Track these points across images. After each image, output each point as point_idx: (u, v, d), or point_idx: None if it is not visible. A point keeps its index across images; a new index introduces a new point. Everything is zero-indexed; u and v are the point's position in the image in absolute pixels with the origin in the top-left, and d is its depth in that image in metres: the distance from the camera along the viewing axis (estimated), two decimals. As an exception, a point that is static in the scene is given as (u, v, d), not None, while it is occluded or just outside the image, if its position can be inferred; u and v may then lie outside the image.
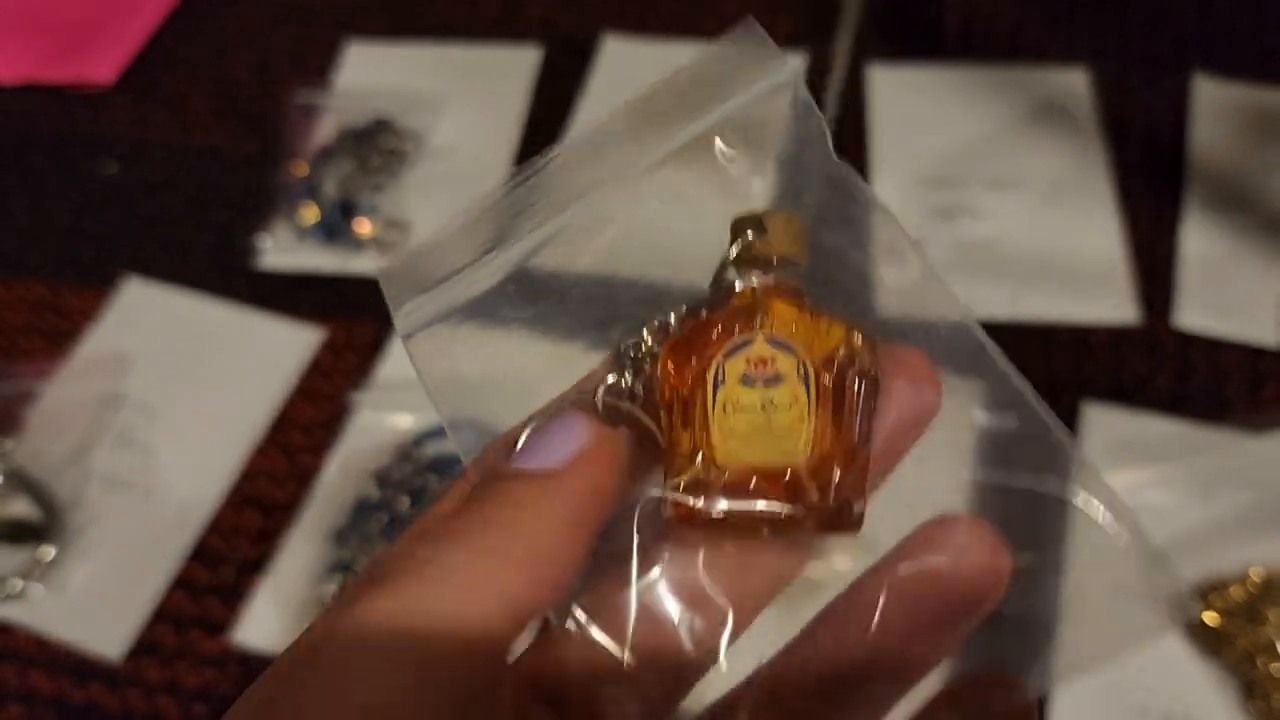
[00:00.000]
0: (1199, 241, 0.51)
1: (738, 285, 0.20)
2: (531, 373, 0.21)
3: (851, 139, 0.57)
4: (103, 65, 0.64)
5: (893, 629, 0.19)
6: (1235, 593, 0.40)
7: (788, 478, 0.18)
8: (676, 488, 0.19)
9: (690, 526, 0.19)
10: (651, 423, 0.19)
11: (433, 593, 0.17)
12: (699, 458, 0.18)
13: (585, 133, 0.21)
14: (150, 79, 0.64)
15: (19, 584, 0.44)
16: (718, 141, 0.21)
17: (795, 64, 0.22)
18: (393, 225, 0.55)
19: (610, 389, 0.20)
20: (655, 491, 0.19)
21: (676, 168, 0.21)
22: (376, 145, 0.57)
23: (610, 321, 0.21)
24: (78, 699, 0.42)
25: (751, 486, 0.18)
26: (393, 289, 0.21)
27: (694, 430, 0.19)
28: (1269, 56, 0.59)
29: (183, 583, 0.44)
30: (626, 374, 0.20)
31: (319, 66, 0.63)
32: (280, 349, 0.51)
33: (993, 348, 0.20)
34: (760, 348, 0.19)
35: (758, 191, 0.21)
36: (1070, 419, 0.46)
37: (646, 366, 0.20)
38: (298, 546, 0.45)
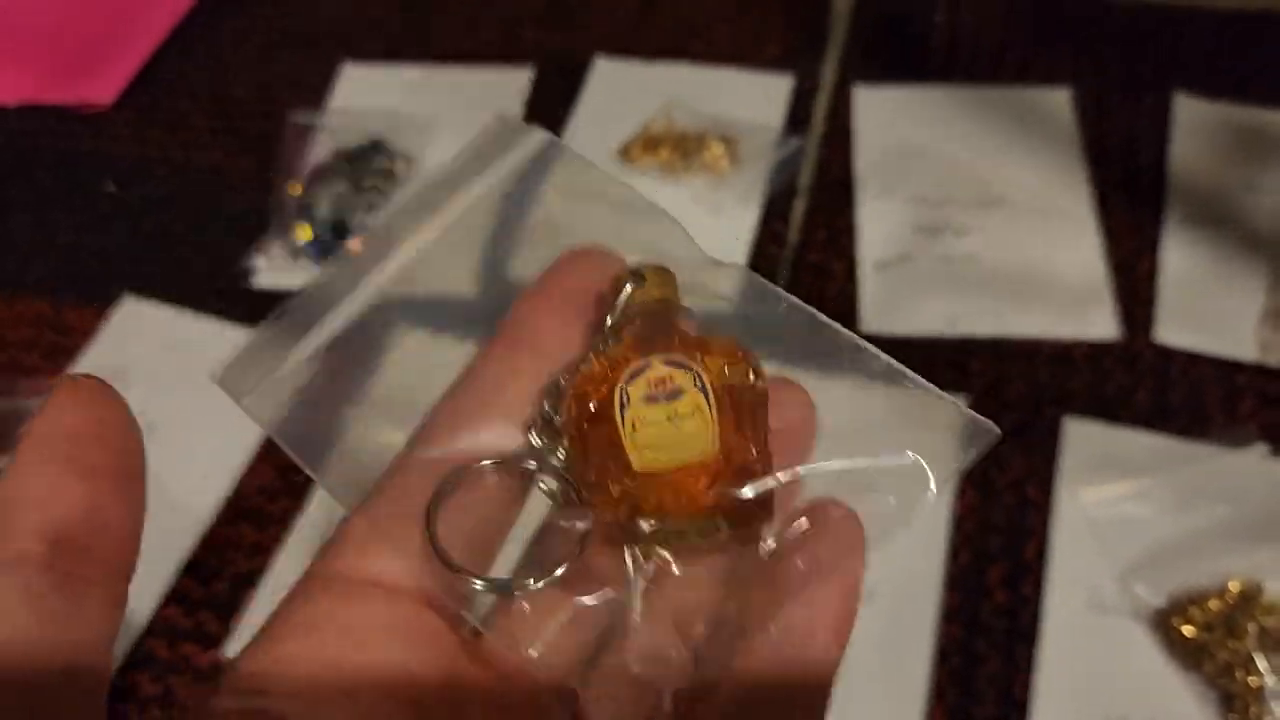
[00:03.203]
0: (1179, 258, 0.52)
1: (624, 331, 0.21)
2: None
3: (837, 158, 0.57)
4: (103, 86, 0.65)
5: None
6: (1214, 605, 0.40)
7: (704, 471, 0.19)
8: (601, 515, 0.19)
9: (624, 547, 0.20)
10: (565, 479, 0.21)
11: None
12: (621, 480, 0.19)
13: (381, 216, 0.24)
14: (150, 99, 0.65)
15: (15, 598, 0.44)
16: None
17: (543, 132, 0.25)
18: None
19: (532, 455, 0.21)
20: (582, 525, 0.20)
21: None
22: (369, 166, 0.58)
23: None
24: (72, 711, 0.42)
25: (671, 488, 0.19)
26: (236, 389, 0.23)
27: (609, 453, 0.19)
28: (1247, 76, 0.59)
29: (176, 597, 0.44)
30: (538, 434, 0.21)
31: (318, 88, 0.64)
32: (275, 366, 0.51)
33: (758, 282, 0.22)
34: (657, 369, 0.20)
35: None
36: (1052, 433, 0.46)
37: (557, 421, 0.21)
38: (291, 561, 0.45)
